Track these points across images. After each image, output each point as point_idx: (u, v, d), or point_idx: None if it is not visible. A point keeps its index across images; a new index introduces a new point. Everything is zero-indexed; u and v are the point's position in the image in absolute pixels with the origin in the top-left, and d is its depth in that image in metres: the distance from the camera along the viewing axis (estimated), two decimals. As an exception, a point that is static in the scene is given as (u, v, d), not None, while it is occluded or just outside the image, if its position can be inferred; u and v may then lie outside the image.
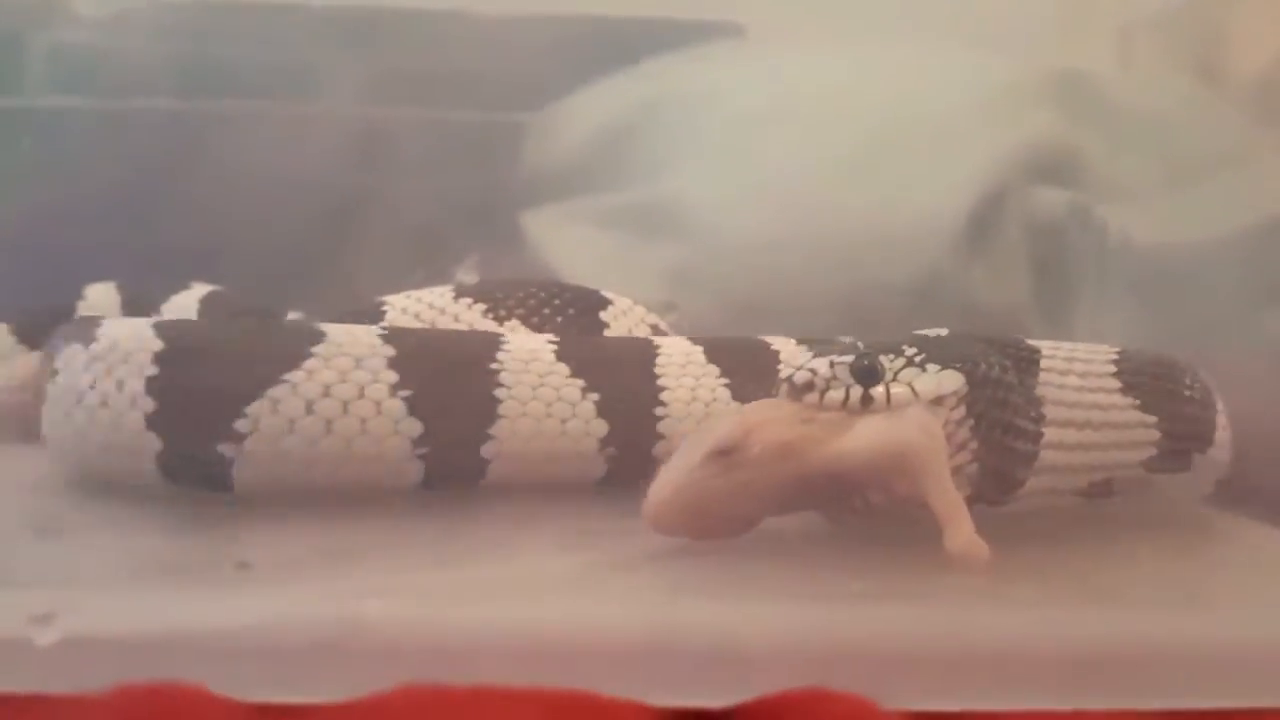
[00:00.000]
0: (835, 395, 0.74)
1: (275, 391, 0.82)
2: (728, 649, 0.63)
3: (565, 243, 1.43)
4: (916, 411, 0.75)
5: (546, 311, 1.03)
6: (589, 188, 1.45)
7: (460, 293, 1.02)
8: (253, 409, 0.81)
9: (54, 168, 1.38)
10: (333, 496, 0.84)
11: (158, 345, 0.82)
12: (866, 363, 0.75)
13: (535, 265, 1.41)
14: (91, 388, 0.83)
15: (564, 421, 0.89)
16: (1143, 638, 0.67)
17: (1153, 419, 0.86)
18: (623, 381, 0.92)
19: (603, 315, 1.04)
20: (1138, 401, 0.86)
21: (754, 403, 0.78)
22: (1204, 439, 0.90)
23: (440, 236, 1.42)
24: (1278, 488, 0.99)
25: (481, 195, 1.44)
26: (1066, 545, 0.81)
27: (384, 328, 0.88)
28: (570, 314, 1.03)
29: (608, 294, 1.06)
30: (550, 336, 0.94)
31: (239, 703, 0.58)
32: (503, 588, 0.71)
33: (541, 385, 0.89)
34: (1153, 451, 0.87)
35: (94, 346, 0.84)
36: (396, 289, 1.05)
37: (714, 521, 0.74)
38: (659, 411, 0.92)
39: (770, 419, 0.74)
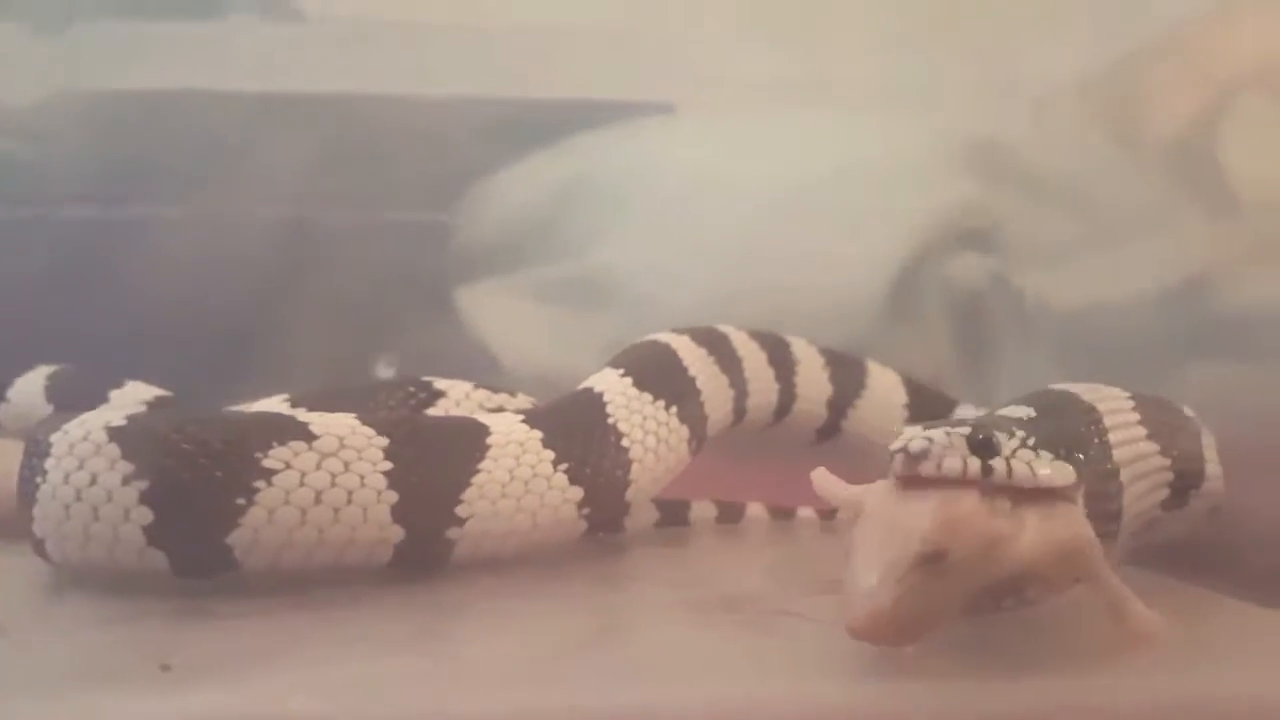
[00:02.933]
0: (952, 464, 0.72)
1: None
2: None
3: (501, 317, 1.44)
4: (1068, 506, 0.74)
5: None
6: (523, 262, 1.47)
7: (295, 402, 1.03)
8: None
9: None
10: (261, 588, 0.84)
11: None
12: (982, 436, 0.73)
13: (470, 341, 1.42)
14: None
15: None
16: (1069, 707, 0.68)
17: (1168, 461, 0.88)
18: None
19: (439, 405, 1.06)
20: (1158, 446, 0.87)
21: (876, 485, 0.75)
22: (1199, 475, 0.91)
23: (370, 322, 1.42)
24: (1202, 547, 1.01)
25: (413, 277, 1.44)
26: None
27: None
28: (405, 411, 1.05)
29: (441, 384, 1.07)
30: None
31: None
32: (432, 678, 0.70)
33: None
34: (1166, 493, 0.88)
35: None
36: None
37: (920, 628, 0.70)
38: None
39: (964, 517, 0.71)
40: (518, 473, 0.92)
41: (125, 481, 0.82)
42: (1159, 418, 0.88)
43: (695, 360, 1.08)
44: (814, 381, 1.20)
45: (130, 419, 0.85)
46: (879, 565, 0.69)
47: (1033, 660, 0.75)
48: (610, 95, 1.45)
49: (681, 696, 0.68)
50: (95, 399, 1.06)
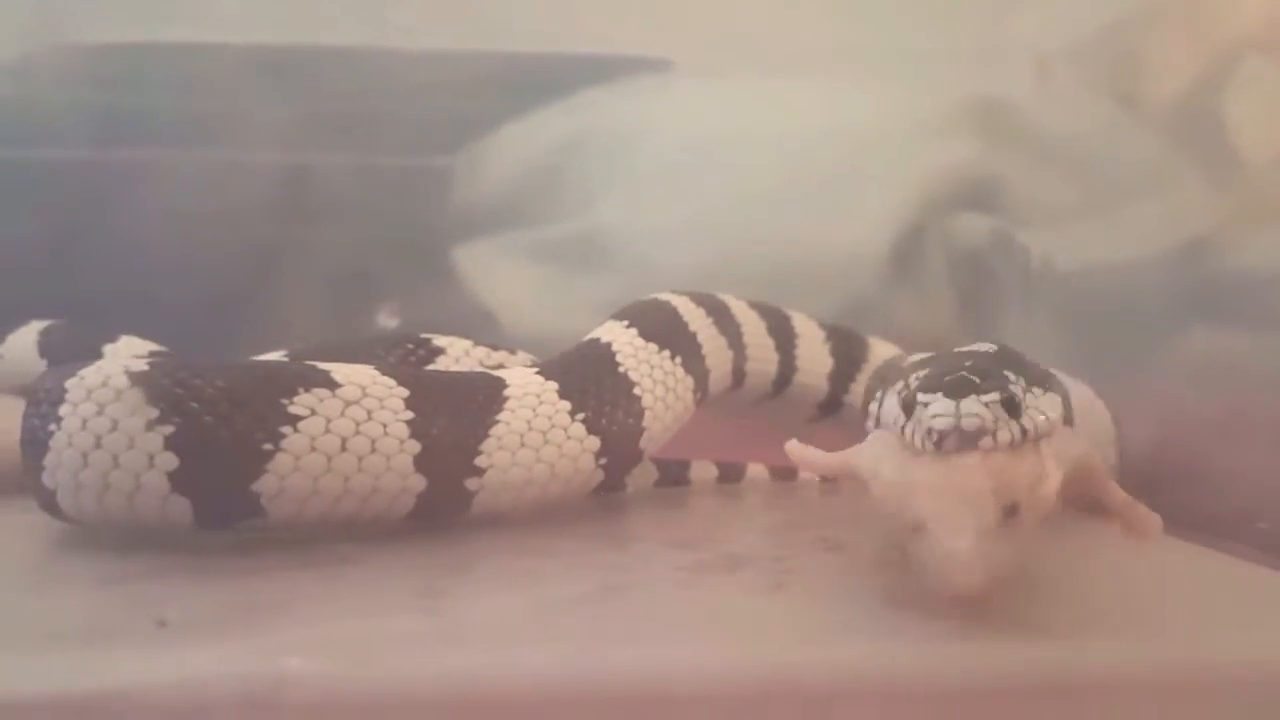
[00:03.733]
0: (1005, 436, 0.73)
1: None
2: (659, 692, 0.63)
3: (497, 276, 1.43)
4: (1065, 429, 0.78)
5: None
6: (520, 221, 1.46)
7: (294, 357, 1.02)
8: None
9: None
10: (263, 547, 0.83)
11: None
12: (1006, 397, 0.75)
13: (467, 300, 1.42)
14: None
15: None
16: (1083, 668, 0.68)
17: None
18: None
19: (438, 362, 1.06)
20: None
21: (865, 450, 0.77)
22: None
23: (368, 278, 1.41)
24: (1202, 504, 1.00)
25: (411, 233, 1.43)
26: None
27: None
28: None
29: (440, 341, 1.07)
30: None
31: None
32: (430, 637, 0.69)
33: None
34: None
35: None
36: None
37: (998, 581, 0.70)
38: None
39: (1012, 467, 0.72)
40: (535, 423, 0.91)
41: (149, 427, 0.80)
42: None
43: (695, 318, 1.08)
44: (815, 354, 1.20)
45: (151, 364, 0.83)
46: (969, 530, 0.69)
47: (1039, 625, 0.74)
48: (609, 50, 1.44)
49: (682, 655, 0.67)
50: (89, 354, 1.04)
